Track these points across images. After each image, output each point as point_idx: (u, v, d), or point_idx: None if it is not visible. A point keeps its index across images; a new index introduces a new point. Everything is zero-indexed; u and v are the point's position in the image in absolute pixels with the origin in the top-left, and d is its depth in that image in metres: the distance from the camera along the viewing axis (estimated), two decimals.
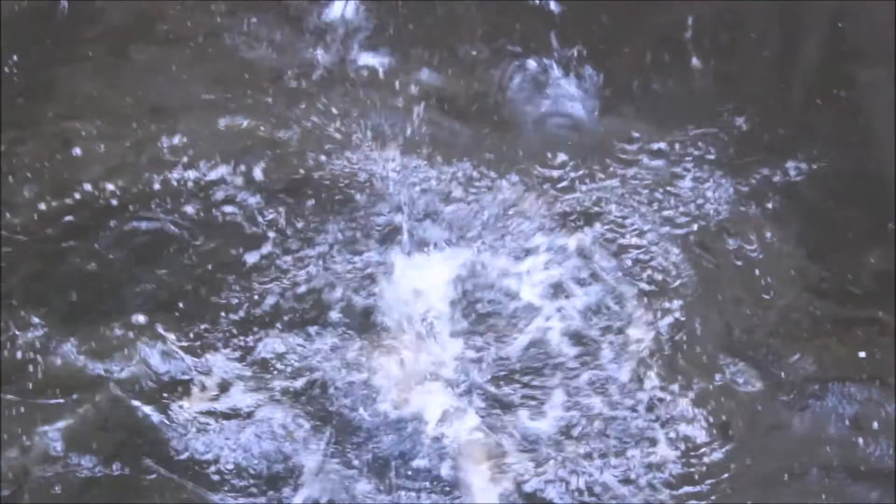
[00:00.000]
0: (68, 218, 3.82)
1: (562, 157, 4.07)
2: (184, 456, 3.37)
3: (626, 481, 3.39)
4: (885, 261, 3.83)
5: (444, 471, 3.40)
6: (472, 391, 3.56)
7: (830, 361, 3.63)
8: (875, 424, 3.48)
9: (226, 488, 3.33)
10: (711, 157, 4.07)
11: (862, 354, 3.63)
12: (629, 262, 3.82)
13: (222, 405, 3.48)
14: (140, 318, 3.64)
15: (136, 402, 3.47)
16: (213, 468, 3.37)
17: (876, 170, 4.05)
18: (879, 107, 4.15)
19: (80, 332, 3.59)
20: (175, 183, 3.91)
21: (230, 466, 3.37)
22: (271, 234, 3.84)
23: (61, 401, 3.43)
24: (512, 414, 3.52)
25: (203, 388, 3.51)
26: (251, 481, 3.35)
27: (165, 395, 3.49)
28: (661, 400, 3.54)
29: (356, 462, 3.39)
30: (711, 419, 3.51)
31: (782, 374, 3.60)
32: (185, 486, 3.33)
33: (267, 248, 3.81)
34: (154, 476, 3.34)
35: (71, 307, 3.65)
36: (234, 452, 3.39)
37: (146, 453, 3.37)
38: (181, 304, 3.69)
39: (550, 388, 3.57)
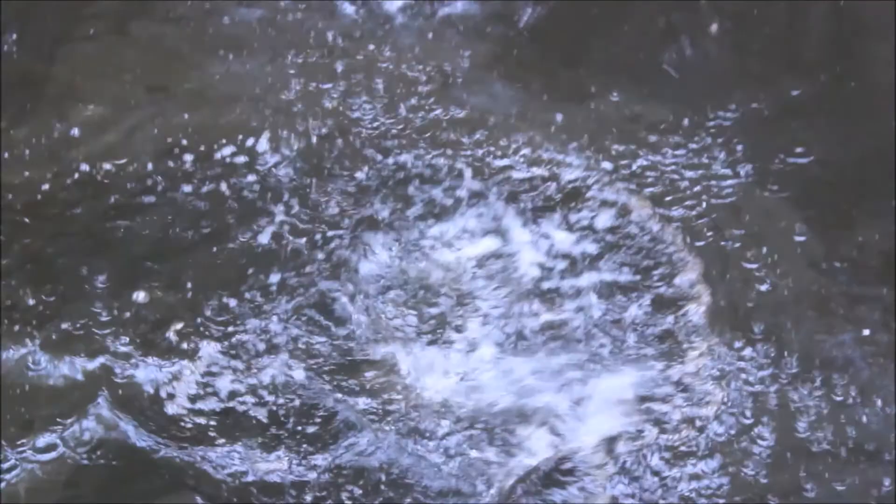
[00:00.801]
0: (65, 197, 3.80)
1: (568, 133, 4.05)
2: (172, 445, 3.36)
3: (629, 461, 3.39)
4: (889, 239, 3.80)
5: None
6: (492, 373, 3.55)
7: (836, 339, 3.61)
8: (879, 402, 3.46)
9: (214, 482, 3.32)
10: (719, 137, 4.05)
11: (866, 332, 3.61)
12: (637, 242, 3.80)
13: (214, 395, 3.44)
14: (140, 296, 3.62)
15: (129, 388, 3.45)
16: (201, 459, 3.35)
17: (880, 148, 4.02)
18: (885, 84, 4.13)
19: (77, 312, 3.57)
20: (172, 162, 3.89)
21: (219, 459, 3.35)
22: (276, 212, 3.81)
23: (58, 382, 3.43)
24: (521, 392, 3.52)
25: (196, 375, 3.49)
26: (244, 478, 3.34)
27: (158, 379, 3.47)
28: (668, 378, 3.54)
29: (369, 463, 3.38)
30: (717, 397, 3.49)
31: (787, 352, 3.58)
32: (169, 474, 3.33)
33: (271, 228, 3.78)
34: (141, 464, 3.33)
35: (69, 287, 3.63)
36: (224, 445, 3.37)
37: (134, 442, 3.35)
38: (178, 285, 3.66)
39: (557, 361, 3.56)
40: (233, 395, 3.45)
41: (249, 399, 3.45)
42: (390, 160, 3.94)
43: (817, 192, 3.95)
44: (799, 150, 4.00)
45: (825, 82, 4.18)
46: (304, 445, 3.36)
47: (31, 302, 3.57)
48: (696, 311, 3.65)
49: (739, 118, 4.10)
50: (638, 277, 3.72)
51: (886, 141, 4.03)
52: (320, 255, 3.72)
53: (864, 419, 3.42)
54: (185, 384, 3.45)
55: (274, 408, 3.43)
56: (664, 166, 3.96)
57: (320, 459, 3.35)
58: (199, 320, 3.58)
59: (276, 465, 3.35)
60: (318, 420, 3.42)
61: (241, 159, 3.91)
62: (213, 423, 3.39)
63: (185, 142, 3.93)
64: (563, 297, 3.69)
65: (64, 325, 3.53)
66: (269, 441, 3.38)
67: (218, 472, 3.30)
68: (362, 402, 3.45)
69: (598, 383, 3.52)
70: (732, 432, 3.43)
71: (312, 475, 3.32)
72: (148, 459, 3.32)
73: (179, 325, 3.56)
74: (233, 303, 3.63)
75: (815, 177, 3.97)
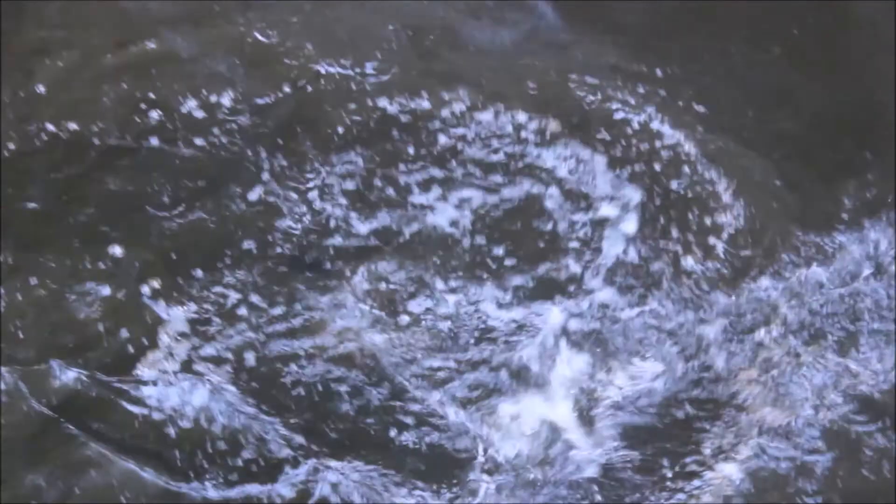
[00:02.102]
0: (32, 156, 3.74)
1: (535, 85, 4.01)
2: (134, 416, 3.35)
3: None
4: (862, 190, 3.84)
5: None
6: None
7: (817, 293, 3.63)
8: (867, 350, 3.48)
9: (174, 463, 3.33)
10: (694, 91, 4.03)
11: (857, 285, 3.65)
12: (617, 197, 3.78)
13: (184, 362, 3.45)
14: (116, 250, 3.58)
15: (101, 348, 3.45)
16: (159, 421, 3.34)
17: (858, 101, 4.02)
18: (867, 35, 4.09)
19: (44, 272, 3.55)
20: (140, 118, 3.84)
21: (183, 438, 3.35)
22: (248, 169, 3.77)
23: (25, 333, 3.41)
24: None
25: (171, 338, 3.47)
26: (206, 459, 3.33)
27: (131, 340, 3.46)
28: (650, 326, 3.54)
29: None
30: (700, 349, 3.49)
31: (769, 307, 3.58)
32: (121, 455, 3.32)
33: (243, 184, 3.74)
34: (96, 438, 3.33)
35: (35, 249, 3.61)
36: (196, 419, 3.36)
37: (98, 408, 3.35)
38: (149, 244, 3.64)
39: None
40: (203, 358, 3.45)
41: (216, 364, 3.44)
42: (369, 108, 3.89)
43: (793, 145, 3.97)
44: (775, 103, 4.00)
45: (805, 34, 4.14)
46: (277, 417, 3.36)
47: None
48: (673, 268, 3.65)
49: (716, 72, 4.06)
50: (612, 226, 3.72)
51: (865, 94, 4.03)
52: (296, 212, 3.70)
53: (852, 367, 3.44)
54: (157, 349, 3.45)
55: (243, 375, 3.42)
56: (637, 117, 3.93)
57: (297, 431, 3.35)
58: (170, 281, 3.57)
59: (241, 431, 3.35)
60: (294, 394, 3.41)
61: (212, 115, 3.86)
62: (179, 383, 3.39)
63: (152, 94, 3.87)
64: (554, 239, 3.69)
65: (32, 281, 3.51)
66: (230, 402, 3.38)
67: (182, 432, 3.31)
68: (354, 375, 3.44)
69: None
70: (713, 390, 3.45)
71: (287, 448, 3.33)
72: (107, 415, 3.32)
73: (156, 283, 3.54)
74: (204, 264, 3.62)
75: (788, 130, 3.99)
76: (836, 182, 3.87)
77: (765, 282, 3.64)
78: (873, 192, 3.83)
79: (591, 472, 3.37)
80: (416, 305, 3.57)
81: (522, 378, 3.50)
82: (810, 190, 3.86)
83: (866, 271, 3.67)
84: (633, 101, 3.98)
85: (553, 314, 3.56)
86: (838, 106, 4.01)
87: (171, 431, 3.35)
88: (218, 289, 3.55)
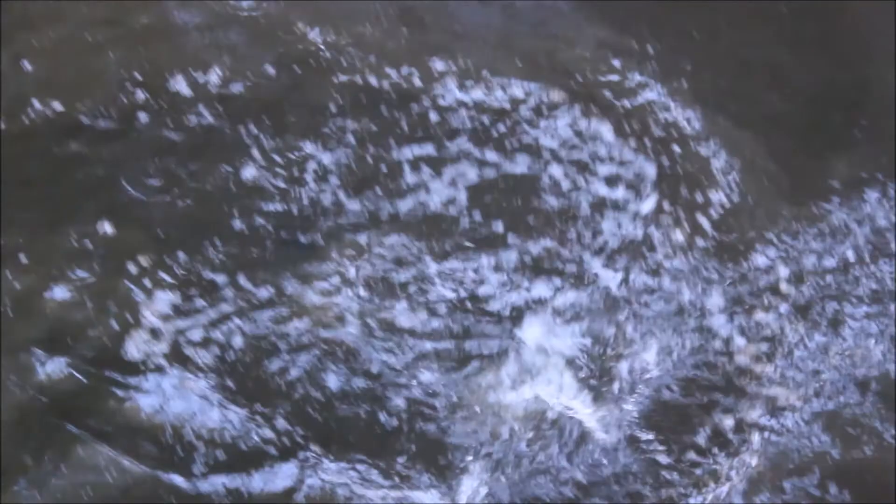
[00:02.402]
0: (19, 135, 3.70)
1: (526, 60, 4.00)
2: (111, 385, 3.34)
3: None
4: (851, 167, 3.87)
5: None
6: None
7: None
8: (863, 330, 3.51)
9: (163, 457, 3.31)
10: (682, 66, 4.03)
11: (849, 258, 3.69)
12: (610, 174, 3.78)
13: (169, 346, 3.43)
14: (106, 228, 3.56)
15: (86, 333, 3.43)
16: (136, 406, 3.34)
17: (846, 75, 4.02)
18: (864, 19, 4.11)
19: (36, 257, 3.53)
20: (126, 98, 3.80)
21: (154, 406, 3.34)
22: (236, 147, 3.75)
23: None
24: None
25: (156, 321, 3.46)
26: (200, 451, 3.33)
27: (116, 324, 3.44)
28: (642, 297, 3.56)
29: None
30: (698, 329, 3.50)
31: (758, 277, 3.59)
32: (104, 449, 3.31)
33: (230, 163, 3.72)
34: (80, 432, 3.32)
35: (23, 228, 3.58)
36: (180, 406, 3.35)
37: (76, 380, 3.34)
38: (137, 224, 3.62)
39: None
40: (189, 343, 3.43)
41: (202, 348, 3.43)
42: (360, 84, 3.87)
43: (778, 121, 3.99)
44: (763, 78, 4.00)
45: (797, 12, 4.15)
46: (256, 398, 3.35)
47: None
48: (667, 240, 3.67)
49: (708, 49, 4.06)
50: (607, 209, 3.73)
51: (856, 72, 4.05)
52: (287, 191, 3.68)
53: (842, 344, 3.48)
54: (142, 324, 3.43)
55: (229, 360, 3.41)
56: (627, 93, 3.93)
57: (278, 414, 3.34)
58: (157, 261, 3.54)
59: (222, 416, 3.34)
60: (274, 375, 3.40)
61: (201, 92, 3.84)
62: (163, 368, 3.38)
63: (139, 74, 3.84)
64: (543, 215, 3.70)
65: (24, 261, 3.49)
66: (217, 388, 3.37)
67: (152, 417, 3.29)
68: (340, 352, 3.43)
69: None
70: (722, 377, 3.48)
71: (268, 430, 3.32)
72: (86, 399, 3.31)
73: (145, 263, 3.53)
74: (194, 246, 3.59)
75: (777, 107, 4.02)
76: (826, 157, 3.89)
77: (759, 260, 3.66)
78: (865, 170, 3.85)
79: (591, 461, 3.38)
80: (410, 286, 3.56)
81: (520, 361, 3.50)
82: (800, 165, 3.87)
83: (861, 249, 3.69)
84: (624, 78, 3.98)
85: (553, 293, 3.56)
86: (830, 83, 4.03)
87: (155, 418, 3.34)
88: (207, 271, 3.53)
